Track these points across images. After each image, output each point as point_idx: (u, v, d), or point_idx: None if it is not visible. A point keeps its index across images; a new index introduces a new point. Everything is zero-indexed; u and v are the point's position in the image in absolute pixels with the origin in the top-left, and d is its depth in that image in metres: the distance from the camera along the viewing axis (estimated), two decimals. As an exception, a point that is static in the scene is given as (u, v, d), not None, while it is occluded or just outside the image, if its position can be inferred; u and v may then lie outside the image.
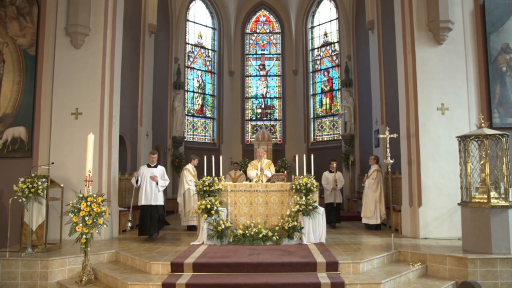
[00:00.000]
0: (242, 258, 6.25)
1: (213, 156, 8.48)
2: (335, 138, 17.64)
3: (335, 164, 10.53)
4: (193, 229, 9.56)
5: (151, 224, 8.23)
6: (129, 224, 8.79)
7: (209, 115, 18.74)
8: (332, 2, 18.21)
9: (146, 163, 8.92)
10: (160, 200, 8.40)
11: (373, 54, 13.53)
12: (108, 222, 6.48)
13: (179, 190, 9.79)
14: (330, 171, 10.55)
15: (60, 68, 8.55)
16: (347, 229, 9.85)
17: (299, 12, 19.02)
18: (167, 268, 6.00)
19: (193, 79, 18.29)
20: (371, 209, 9.66)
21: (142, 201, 8.29)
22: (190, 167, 9.82)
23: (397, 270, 6.14)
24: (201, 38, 18.75)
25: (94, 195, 5.91)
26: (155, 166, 8.52)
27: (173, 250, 7.06)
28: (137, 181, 8.37)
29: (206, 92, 18.77)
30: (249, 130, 19.31)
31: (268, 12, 19.94)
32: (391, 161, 7.45)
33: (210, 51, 19.07)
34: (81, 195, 5.89)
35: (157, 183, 8.31)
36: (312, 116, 18.73)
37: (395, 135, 7.82)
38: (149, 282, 5.59)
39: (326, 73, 18.53)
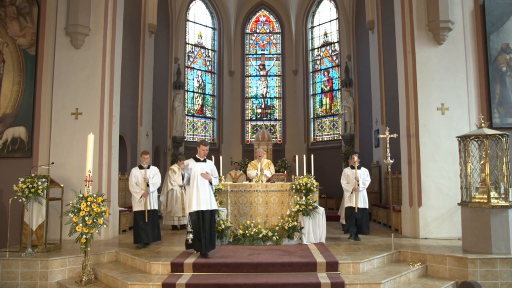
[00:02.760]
0: (242, 258, 6.25)
1: (213, 156, 8.48)
2: (335, 138, 17.64)
3: (356, 158, 8.30)
4: (175, 228, 9.82)
5: (211, 236, 6.44)
6: (190, 237, 6.47)
7: (209, 115, 18.74)
8: (332, 2, 18.21)
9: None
10: (215, 204, 6.59)
11: (373, 54, 13.53)
12: (108, 222, 6.48)
13: (162, 190, 10.02)
14: (352, 167, 8.38)
15: (60, 68, 8.55)
16: None
17: (299, 12, 19.03)
18: (167, 268, 6.00)
19: (193, 79, 18.29)
20: None
21: (194, 206, 6.38)
22: (175, 167, 9.95)
23: (397, 270, 6.14)
24: (201, 38, 18.75)
25: (94, 195, 5.91)
26: (204, 161, 6.74)
27: (173, 250, 7.06)
28: (183, 178, 6.57)
29: (206, 92, 18.76)
30: (249, 130, 19.31)
31: (268, 12, 19.93)
32: (391, 161, 7.45)
33: (210, 51, 19.06)
34: (81, 195, 5.89)
35: (210, 182, 6.58)
36: (312, 116, 18.73)
37: (395, 135, 7.82)
38: (149, 282, 5.59)
39: (326, 73, 18.53)
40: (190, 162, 6.63)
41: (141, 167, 7.52)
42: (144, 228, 7.32)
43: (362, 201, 8.22)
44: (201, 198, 6.37)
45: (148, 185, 7.40)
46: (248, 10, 19.58)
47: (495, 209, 6.36)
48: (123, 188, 10.76)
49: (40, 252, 6.70)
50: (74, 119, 8.40)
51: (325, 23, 18.62)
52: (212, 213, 6.50)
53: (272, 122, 19.43)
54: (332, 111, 18.09)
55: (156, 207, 7.60)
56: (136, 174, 7.50)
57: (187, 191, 6.56)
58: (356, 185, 8.13)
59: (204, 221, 6.35)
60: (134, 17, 12.61)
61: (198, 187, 6.40)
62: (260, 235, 7.46)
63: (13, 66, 8.67)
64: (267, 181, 8.54)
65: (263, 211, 7.89)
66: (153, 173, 7.56)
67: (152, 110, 14.07)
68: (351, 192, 8.19)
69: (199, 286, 5.48)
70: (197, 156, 6.70)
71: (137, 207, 7.42)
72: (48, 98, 8.53)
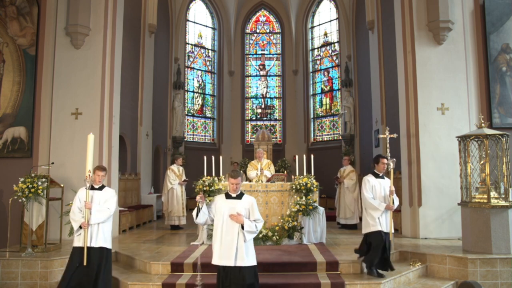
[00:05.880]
0: (242, 258, 6.23)
1: (213, 156, 8.49)
2: (335, 138, 17.64)
3: (391, 163, 6.13)
4: (176, 228, 9.81)
5: None
6: None
7: (209, 115, 18.74)
8: (332, 2, 18.21)
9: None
10: (250, 259, 4.63)
11: (373, 54, 13.53)
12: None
13: (163, 190, 10.13)
14: (377, 176, 6.03)
15: (60, 68, 8.55)
16: (347, 229, 9.82)
17: (299, 12, 19.03)
18: (167, 268, 6.01)
19: (193, 79, 18.30)
20: (352, 209, 9.73)
21: (215, 258, 4.65)
22: (174, 167, 10.19)
23: (397, 270, 6.13)
24: (201, 38, 18.76)
25: (94, 195, 5.89)
26: (238, 197, 4.79)
27: (173, 250, 7.06)
28: (198, 212, 4.73)
29: (206, 92, 18.77)
30: (249, 130, 19.31)
31: (268, 12, 19.93)
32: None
33: (210, 51, 19.07)
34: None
35: (242, 227, 4.60)
36: (312, 116, 18.74)
37: (395, 135, 7.81)
38: (149, 282, 5.59)
39: (326, 73, 18.53)
40: (219, 199, 4.82)
41: (92, 188, 5.36)
42: (77, 275, 5.06)
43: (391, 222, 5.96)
44: (224, 249, 4.58)
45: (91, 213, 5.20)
46: (248, 10, 19.58)
47: (495, 209, 6.36)
48: (123, 188, 10.79)
49: (40, 252, 6.69)
50: (74, 119, 8.39)
51: (325, 23, 18.62)
52: (242, 271, 4.54)
53: (272, 122, 19.44)
54: (332, 111, 18.09)
55: (105, 245, 5.25)
56: (81, 196, 5.31)
57: (213, 235, 4.83)
58: (392, 202, 5.91)
59: (228, 282, 4.57)
60: (134, 17, 12.61)
61: (223, 232, 4.63)
62: (260, 235, 7.46)
63: (13, 66, 8.66)
64: (267, 181, 8.54)
65: (263, 211, 7.89)
66: (105, 197, 5.39)
67: (152, 110, 14.07)
68: (382, 212, 5.86)
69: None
70: (229, 191, 4.84)
71: (76, 241, 5.21)
72: (48, 98, 8.53)
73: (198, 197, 4.72)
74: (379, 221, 5.82)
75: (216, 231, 4.70)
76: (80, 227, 5.14)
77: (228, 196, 4.78)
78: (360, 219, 10.01)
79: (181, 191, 9.95)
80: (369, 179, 5.99)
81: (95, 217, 5.20)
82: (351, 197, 9.79)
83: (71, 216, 5.24)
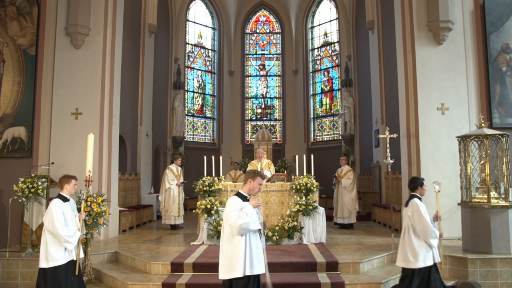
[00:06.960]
0: (242, 258, 6.23)
1: (213, 156, 8.49)
2: (335, 138, 17.65)
3: (436, 186, 5.26)
4: (175, 228, 9.82)
5: None
6: None
7: (209, 115, 18.74)
8: (332, 2, 18.21)
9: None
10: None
11: (373, 54, 13.54)
12: (108, 222, 6.47)
13: (161, 189, 10.12)
14: (419, 198, 5.11)
15: (60, 68, 8.55)
16: (347, 229, 9.82)
17: (299, 12, 19.03)
18: (167, 268, 6.01)
19: (193, 79, 18.30)
20: (349, 209, 9.77)
21: (246, 267, 4.11)
22: (173, 167, 10.18)
23: (397, 270, 6.09)
24: (201, 38, 18.76)
25: (94, 195, 5.91)
26: (249, 200, 4.40)
27: (173, 250, 7.07)
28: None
29: (206, 92, 18.77)
30: (249, 130, 19.32)
31: (268, 12, 19.94)
32: (391, 161, 7.44)
33: (210, 51, 19.07)
34: (80, 195, 5.88)
35: (262, 232, 4.34)
36: (312, 116, 18.74)
37: (395, 135, 7.82)
38: (149, 282, 5.59)
39: (326, 73, 18.54)
40: (239, 201, 4.23)
41: (65, 199, 5.06)
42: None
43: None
44: (257, 256, 4.15)
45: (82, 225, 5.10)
46: (248, 10, 19.59)
47: (495, 209, 6.36)
48: (123, 188, 10.79)
49: (40, 252, 6.69)
50: (74, 119, 8.39)
51: (325, 23, 18.63)
52: (260, 277, 4.24)
53: (272, 122, 19.44)
54: (332, 111, 18.10)
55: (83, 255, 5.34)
56: (65, 209, 4.98)
57: (230, 244, 4.23)
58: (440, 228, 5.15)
59: None
60: (134, 17, 12.61)
61: (251, 238, 4.15)
62: (260, 235, 7.45)
63: (13, 66, 8.66)
64: (267, 181, 8.53)
65: (263, 211, 7.89)
66: (74, 207, 5.26)
67: (152, 110, 14.08)
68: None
69: (199, 286, 5.49)
70: (241, 191, 4.31)
71: (64, 257, 4.91)
72: (48, 98, 8.53)
73: (259, 199, 4.03)
74: (434, 251, 4.95)
75: (243, 237, 4.11)
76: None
77: (244, 199, 4.27)
78: (358, 219, 10.13)
79: (178, 191, 9.95)
80: (419, 202, 5.03)
81: (83, 227, 5.17)
82: (349, 196, 9.82)
83: (63, 233, 4.79)
